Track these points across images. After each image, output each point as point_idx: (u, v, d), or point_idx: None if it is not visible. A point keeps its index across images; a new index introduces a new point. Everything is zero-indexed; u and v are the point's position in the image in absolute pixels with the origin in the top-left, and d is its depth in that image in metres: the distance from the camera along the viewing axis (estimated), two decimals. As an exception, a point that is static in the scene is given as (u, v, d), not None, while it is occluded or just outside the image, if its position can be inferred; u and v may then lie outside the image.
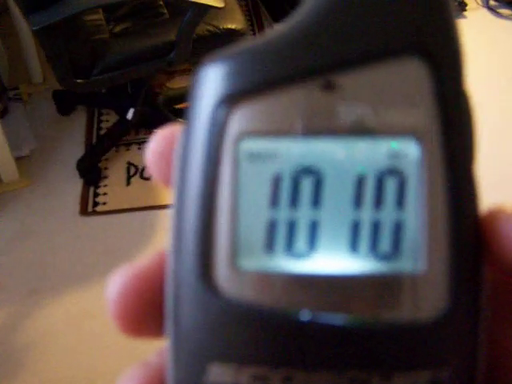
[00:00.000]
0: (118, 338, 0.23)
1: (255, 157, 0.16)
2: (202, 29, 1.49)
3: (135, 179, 1.78)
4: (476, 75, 2.17)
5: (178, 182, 0.17)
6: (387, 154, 0.16)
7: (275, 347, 0.16)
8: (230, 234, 0.16)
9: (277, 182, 0.16)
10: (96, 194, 1.74)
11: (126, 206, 1.71)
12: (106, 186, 1.76)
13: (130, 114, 1.61)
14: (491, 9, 2.42)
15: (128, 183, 1.77)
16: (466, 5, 2.39)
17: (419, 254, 0.16)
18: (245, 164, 0.16)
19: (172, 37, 1.48)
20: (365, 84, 0.16)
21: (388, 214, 0.16)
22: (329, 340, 0.15)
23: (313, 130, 0.16)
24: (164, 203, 1.71)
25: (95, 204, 1.71)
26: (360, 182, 0.16)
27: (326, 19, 0.16)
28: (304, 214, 0.16)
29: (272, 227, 0.16)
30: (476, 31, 2.35)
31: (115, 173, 1.80)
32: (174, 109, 1.97)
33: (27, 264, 1.56)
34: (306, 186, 0.16)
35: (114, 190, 1.75)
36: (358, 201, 0.16)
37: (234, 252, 0.16)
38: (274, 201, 0.16)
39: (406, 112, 0.16)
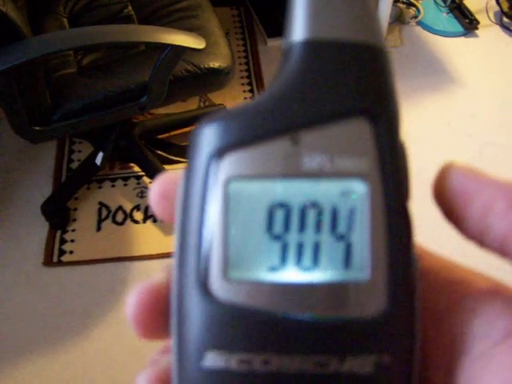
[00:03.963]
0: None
1: (240, 194, 0.21)
2: (179, 68, 1.30)
3: (106, 223, 1.60)
4: (489, 95, 1.99)
5: (181, 215, 0.21)
6: (340, 192, 0.20)
7: (257, 338, 0.20)
8: (222, 253, 0.20)
9: (256, 213, 0.21)
10: (63, 241, 1.56)
11: (94, 256, 1.54)
12: (74, 230, 1.58)
13: (98, 159, 1.42)
14: (504, 26, 2.22)
15: (98, 228, 1.59)
16: (478, 22, 2.19)
17: (364, 266, 0.20)
18: (232, 200, 0.21)
19: (145, 77, 1.29)
20: (322, 139, 0.20)
21: (341, 237, 0.20)
22: (297, 332, 0.20)
23: (283, 174, 0.20)
24: (136, 254, 1.54)
25: (61, 253, 1.54)
26: (320, 213, 0.20)
27: (292, 90, 0.21)
28: (278, 237, 0.21)
29: (253, 247, 0.21)
30: (488, 49, 2.17)
31: (85, 215, 1.62)
32: (153, 139, 1.79)
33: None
34: (279, 216, 0.20)
35: (82, 236, 1.57)
36: (318, 227, 0.20)
37: (225, 266, 0.20)
38: (254, 227, 0.21)
39: (354, 159, 0.20)
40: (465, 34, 2.21)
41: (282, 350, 0.20)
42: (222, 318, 0.20)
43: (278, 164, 0.20)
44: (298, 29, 0.21)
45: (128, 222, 1.61)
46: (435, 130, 1.88)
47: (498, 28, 2.24)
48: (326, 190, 0.20)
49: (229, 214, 0.20)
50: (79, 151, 1.77)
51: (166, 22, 1.46)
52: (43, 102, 1.24)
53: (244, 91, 1.97)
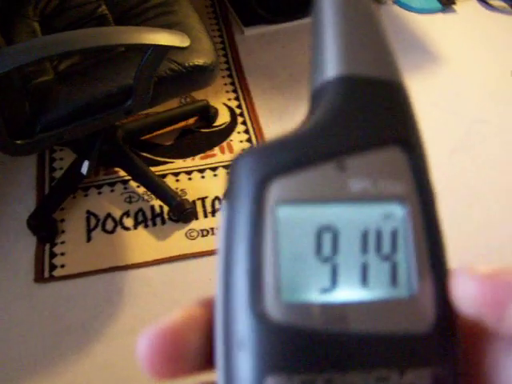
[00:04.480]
0: None
1: (289, 218, 0.21)
2: (163, 68, 1.24)
3: (96, 233, 1.54)
4: (472, 70, 1.97)
5: (226, 243, 0.21)
6: (383, 214, 0.21)
7: (316, 357, 0.20)
8: (274, 277, 0.21)
9: (305, 237, 0.21)
10: (52, 255, 1.50)
11: (87, 268, 1.48)
12: (63, 242, 1.52)
13: (84, 168, 1.36)
14: (482, 0, 2.20)
15: (88, 239, 1.53)
16: (455, -3, 2.16)
17: (412, 283, 0.21)
18: (281, 224, 0.21)
19: (128, 80, 1.23)
20: (365, 165, 0.21)
21: (386, 256, 0.21)
22: (356, 348, 0.20)
23: (331, 198, 0.21)
24: (130, 262, 1.48)
25: (52, 267, 1.48)
26: (365, 235, 0.21)
27: (334, 121, 0.22)
28: (326, 259, 0.21)
29: (304, 270, 0.21)
30: (467, 24, 2.14)
31: (73, 226, 1.56)
32: (136, 141, 1.73)
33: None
34: (327, 239, 0.21)
35: (72, 248, 1.51)
36: (364, 248, 0.21)
37: (278, 289, 0.20)
38: (304, 250, 0.21)
39: (395, 184, 0.21)
40: (443, 10, 2.19)
41: (344, 367, 0.20)
42: (279, 341, 0.20)
43: (326, 188, 0.21)
44: (333, 66, 0.23)
45: (118, 229, 1.56)
46: (421, 110, 1.85)
47: (475, 2, 2.22)
48: (369, 213, 0.21)
49: (279, 238, 0.21)
50: (61, 159, 1.70)
51: (143, 19, 1.40)
52: (23, 113, 1.18)
53: (225, 84, 1.92)
